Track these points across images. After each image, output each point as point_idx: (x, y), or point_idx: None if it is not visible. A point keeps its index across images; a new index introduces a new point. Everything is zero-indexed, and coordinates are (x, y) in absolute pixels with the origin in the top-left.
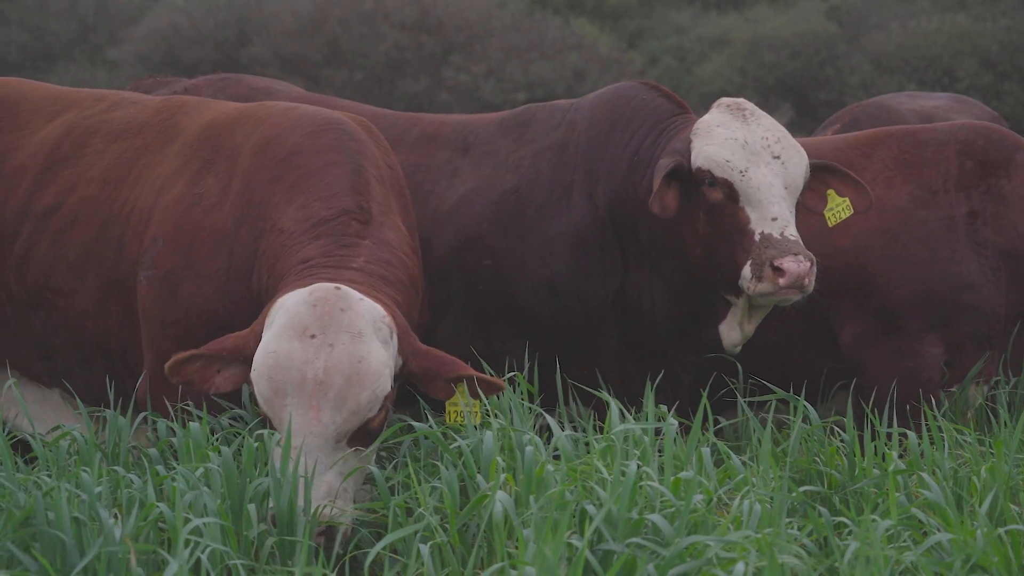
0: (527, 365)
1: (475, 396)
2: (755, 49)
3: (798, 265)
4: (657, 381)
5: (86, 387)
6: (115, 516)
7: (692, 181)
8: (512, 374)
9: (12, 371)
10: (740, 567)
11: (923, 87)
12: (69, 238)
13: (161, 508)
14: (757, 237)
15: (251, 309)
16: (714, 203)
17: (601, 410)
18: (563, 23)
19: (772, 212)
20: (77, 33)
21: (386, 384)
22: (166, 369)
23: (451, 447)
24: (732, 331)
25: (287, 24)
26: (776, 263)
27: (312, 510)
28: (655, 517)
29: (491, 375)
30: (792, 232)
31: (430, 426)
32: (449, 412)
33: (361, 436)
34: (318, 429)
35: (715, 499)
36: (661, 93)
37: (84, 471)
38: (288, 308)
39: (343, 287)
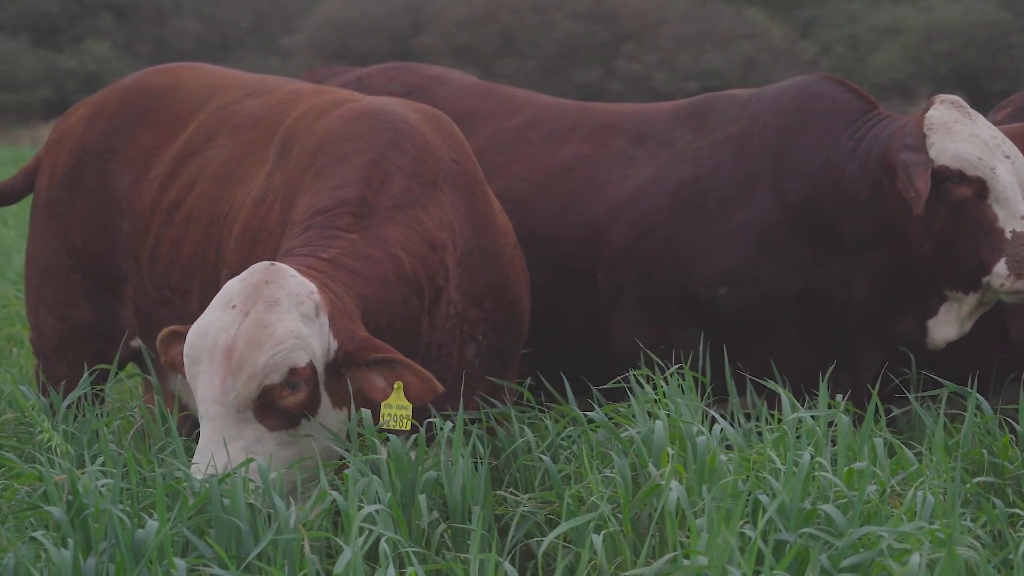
0: (698, 355)
1: (412, 392)
2: (928, 38)
3: None
4: (829, 372)
5: None
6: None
7: (934, 178)
8: (678, 366)
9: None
10: (915, 559)
11: None
12: (185, 236)
13: (334, 495)
14: (1008, 235)
15: None
16: (959, 200)
17: (774, 401)
18: (735, 12)
19: (1020, 210)
20: (251, 22)
21: (294, 356)
22: (157, 342)
23: (622, 436)
24: (947, 327)
25: (460, 13)
26: None
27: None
28: (828, 507)
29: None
30: None
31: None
32: (383, 414)
33: (272, 412)
34: (218, 396)
35: (888, 490)
36: (848, 88)
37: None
38: (225, 286)
39: (278, 264)
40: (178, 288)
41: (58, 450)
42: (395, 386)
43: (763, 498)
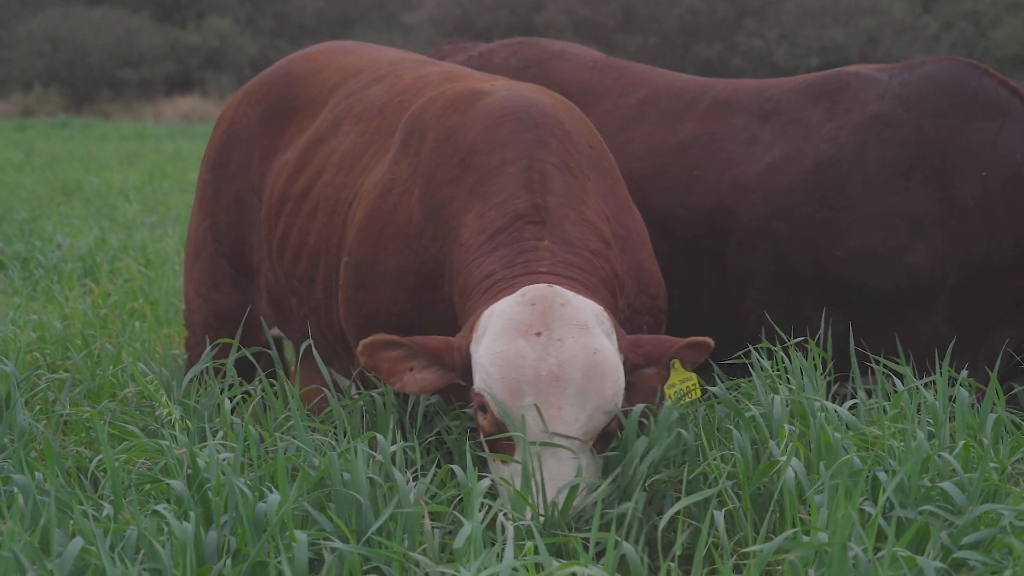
0: (827, 334)
1: (689, 364)
2: None
3: None
4: (950, 348)
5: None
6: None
7: None
8: (800, 339)
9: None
10: None
11: None
12: (311, 225)
13: (454, 468)
14: None
15: (444, 317)
16: None
17: (900, 379)
18: None
19: None
20: None
21: (623, 378)
22: (360, 347)
23: (745, 414)
24: None
25: None
26: None
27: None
28: (947, 485)
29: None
30: None
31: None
32: (668, 395)
33: (601, 438)
34: (562, 428)
35: (1009, 468)
36: (1000, 81)
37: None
38: (502, 312)
39: (554, 285)
40: (304, 277)
41: (177, 424)
42: (672, 365)
43: (882, 475)
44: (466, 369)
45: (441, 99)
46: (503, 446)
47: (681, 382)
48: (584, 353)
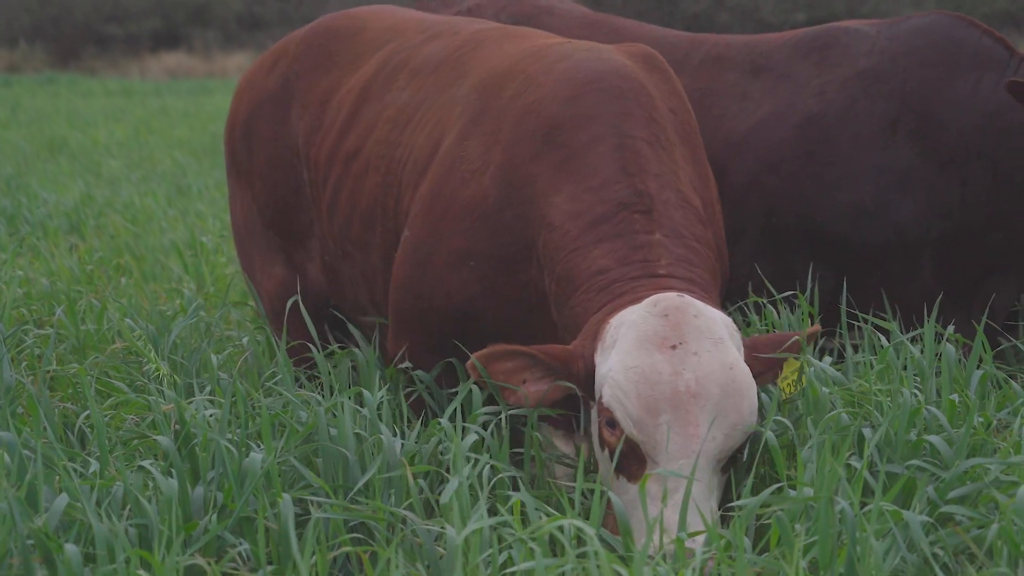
0: (815, 288)
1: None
2: None
3: None
4: (937, 304)
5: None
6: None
7: None
8: (791, 292)
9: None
10: (1023, 491)
11: None
12: (363, 185)
13: (442, 423)
14: None
15: (520, 304)
16: None
17: (887, 334)
18: None
19: None
20: None
21: (756, 395)
22: (476, 358)
23: None
24: None
25: None
26: None
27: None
28: (934, 439)
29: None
30: None
31: None
32: (783, 388)
33: (731, 462)
34: (700, 447)
35: (994, 422)
36: (984, 31)
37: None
38: (634, 323)
39: (684, 294)
40: (358, 241)
41: (165, 380)
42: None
43: (866, 431)
44: (589, 380)
45: (517, 71)
46: (630, 463)
47: (791, 372)
48: (720, 368)
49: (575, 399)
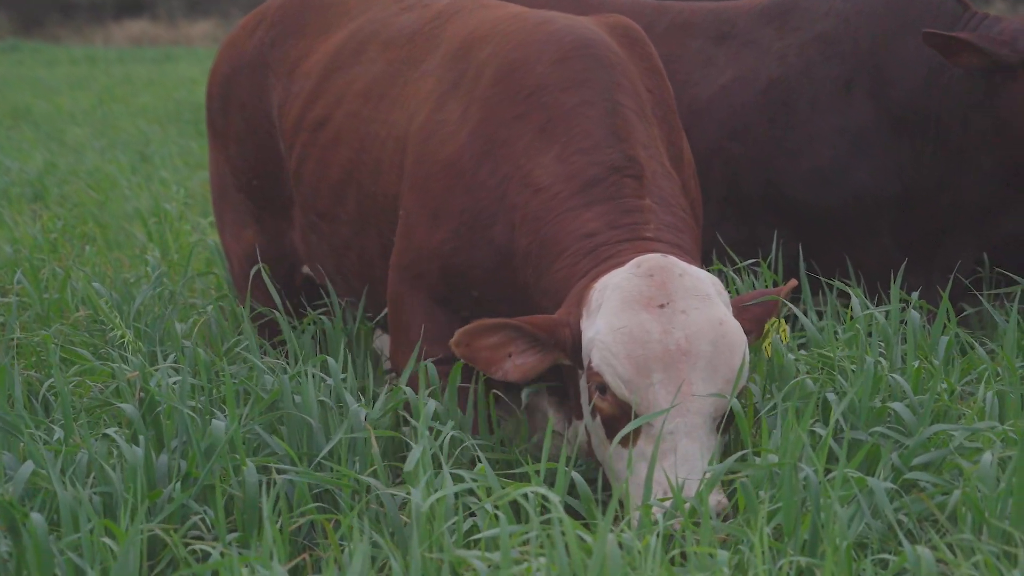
0: (778, 254)
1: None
2: None
3: None
4: (902, 269)
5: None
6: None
7: None
8: (753, 260)
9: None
10: (987, 457)
11: None
12: (332, 157)
13: (407, 391)
14: None
15: (493, 262)
16: None
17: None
18: None
19: None
20: None
21: (747, 350)
22: (456, 336)
23: None
24: None
25: None
26: None
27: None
28: (898, 406)
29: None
30: None
31: None
32: (765, 348)
33: (728, 424)
34: (695, 405)
35: (959, 390)
36: None
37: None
38: (618, 285)
39: (667, 255)
40: (327, 214)
41: (130, 347)
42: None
43: (831, 397)
44: (576, 347)
45: (496, 33)
46: (622, 427)
47: (772, 327)
48: (710, 324)
49: (560, 371)
